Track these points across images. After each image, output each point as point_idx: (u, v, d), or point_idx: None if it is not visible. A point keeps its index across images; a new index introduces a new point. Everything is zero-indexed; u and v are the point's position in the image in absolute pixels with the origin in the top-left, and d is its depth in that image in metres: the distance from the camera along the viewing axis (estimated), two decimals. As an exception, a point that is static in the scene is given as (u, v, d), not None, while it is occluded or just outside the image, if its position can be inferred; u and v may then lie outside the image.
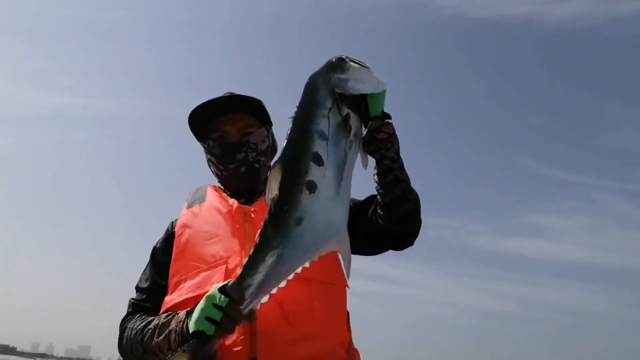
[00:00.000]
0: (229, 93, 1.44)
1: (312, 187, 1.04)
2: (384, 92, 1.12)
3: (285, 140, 1.08)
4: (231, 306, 0.97)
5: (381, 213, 1.24)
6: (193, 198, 1.45)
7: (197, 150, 1.52)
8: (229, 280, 1.03)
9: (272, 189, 1.03)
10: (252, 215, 1.30)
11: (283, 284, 1.06)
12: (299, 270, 1.06)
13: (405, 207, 1.21)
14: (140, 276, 1.41)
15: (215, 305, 0.97)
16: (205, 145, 1.44)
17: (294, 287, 1.09)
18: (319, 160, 1.04)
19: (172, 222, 1.44)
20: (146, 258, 1.43)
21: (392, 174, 1.19)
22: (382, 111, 1.13)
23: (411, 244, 1.31)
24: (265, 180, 1.20)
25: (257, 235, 1.07)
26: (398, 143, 1.19)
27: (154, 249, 1.42)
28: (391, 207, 1.21)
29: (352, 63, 1.09)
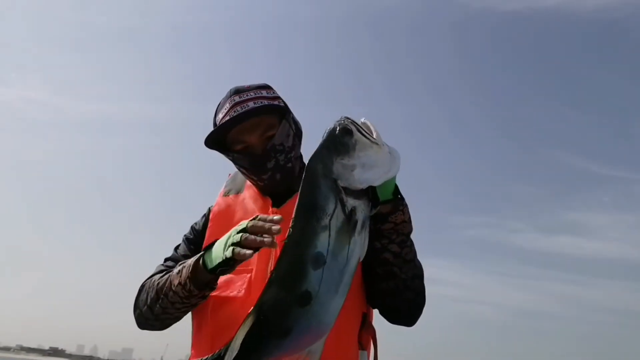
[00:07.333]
0: (233, 88, 1.32)
1: (305, 300, 0.87)
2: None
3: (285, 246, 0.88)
4: (253, 223, 0.94)
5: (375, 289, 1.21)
6: (230, 185, 1.41)
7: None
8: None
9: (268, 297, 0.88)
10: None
11: None
12: None
13: (398, 301, 1.19)
14: (173, 249, 1.39)
15: (237, 232, 0.96)
16: (230, 158, 1.31)
17: None
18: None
19: (210, 208, 1.40)
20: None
21: (387, 267, 1.13)
22: (393, 192, 0.95)
23: (406, 324, 1.24)
24: (300, 174, 1.15)
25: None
26: (408, 226, 1.09)
27: (192, 228, 1.39)
28: (383, 297, 1.20)
29: (358, 137, 0.88)
